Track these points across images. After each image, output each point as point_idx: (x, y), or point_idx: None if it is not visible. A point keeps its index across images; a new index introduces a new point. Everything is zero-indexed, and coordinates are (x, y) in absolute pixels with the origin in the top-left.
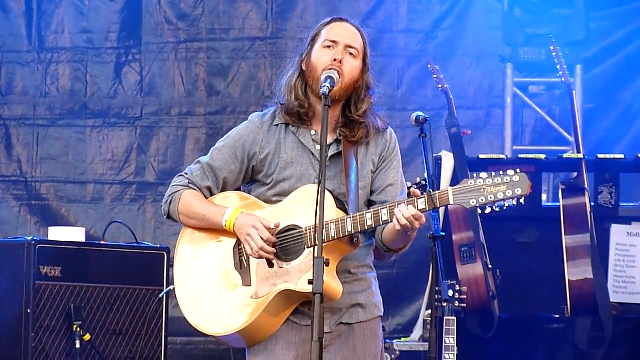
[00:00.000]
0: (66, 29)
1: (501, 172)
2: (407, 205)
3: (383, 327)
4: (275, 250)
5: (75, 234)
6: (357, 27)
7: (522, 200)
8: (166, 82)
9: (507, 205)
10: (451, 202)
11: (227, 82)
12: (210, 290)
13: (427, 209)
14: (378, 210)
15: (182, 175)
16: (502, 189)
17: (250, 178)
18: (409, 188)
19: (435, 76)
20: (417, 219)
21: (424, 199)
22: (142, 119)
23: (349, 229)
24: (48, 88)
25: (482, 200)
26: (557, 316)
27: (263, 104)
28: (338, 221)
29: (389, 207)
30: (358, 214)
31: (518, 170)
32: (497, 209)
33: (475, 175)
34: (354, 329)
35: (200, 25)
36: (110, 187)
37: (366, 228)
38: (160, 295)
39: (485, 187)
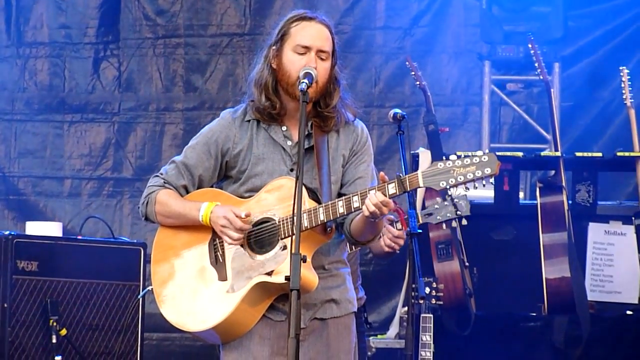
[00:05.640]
0: (45, 24)
1: (470, 153)
2: (377, 191)
3: (369, 322)
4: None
5: (52, 229)
6: (326, 24)
7: (491, 180)
8: (144, 78)
9: (476, 185)
10: (421, 184)
11: (204, 78)
12: (186, 286)
13: (398, 193)
14: (349, 197)
15: (157, 176)
16: (471, 169)
17: (224, 175)
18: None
19: (413, 73)
20: (385, 205)
21: (394, 183)
22: (120, 114)
23: (322, 218)
24: (26, 83)
25: (451, 181)
26: (534, 314)
27: (240, 100)
28: (311, 210)
29: (360, 193)
30: (330, 202)
31: (487, 151)
32: (467, 190)
33: (444, 157)
34: (328, 324)
35: (178, 21)
36: (88, 183)
37: (338, 215)
38: (139, 297)
39: (454, 168)
